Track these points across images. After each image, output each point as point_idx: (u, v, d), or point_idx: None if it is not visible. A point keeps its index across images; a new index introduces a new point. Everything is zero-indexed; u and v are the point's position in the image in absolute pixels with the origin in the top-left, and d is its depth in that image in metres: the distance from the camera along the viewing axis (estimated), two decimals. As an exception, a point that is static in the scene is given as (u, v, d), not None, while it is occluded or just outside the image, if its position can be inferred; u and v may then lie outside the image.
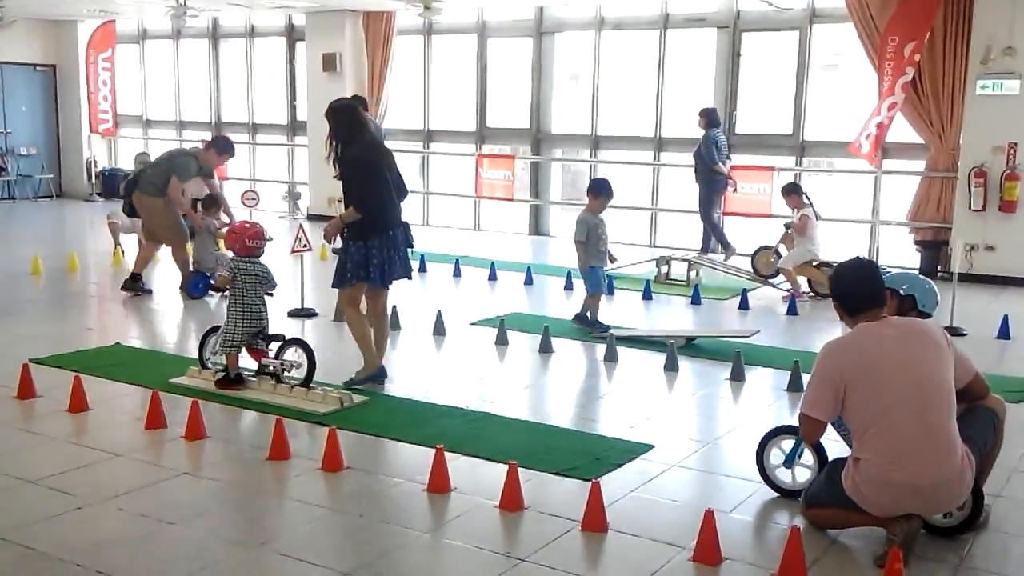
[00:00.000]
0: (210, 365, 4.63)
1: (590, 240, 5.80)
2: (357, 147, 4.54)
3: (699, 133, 8.85)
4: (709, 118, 8.78)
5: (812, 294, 7.33)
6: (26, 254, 8.07)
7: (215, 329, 4.63)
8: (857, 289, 3.02)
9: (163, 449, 3.75)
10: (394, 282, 4.65)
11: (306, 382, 4.37)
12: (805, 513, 3.13)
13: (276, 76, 12.49)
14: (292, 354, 4.47)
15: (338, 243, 4.72)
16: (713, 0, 9.47)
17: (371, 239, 4.48)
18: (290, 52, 12.22)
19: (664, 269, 7.93)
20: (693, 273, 7.82)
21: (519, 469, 3.26)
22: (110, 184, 12.87)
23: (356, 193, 4.52)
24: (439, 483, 3.33)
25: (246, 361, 4.55)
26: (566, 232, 10.95)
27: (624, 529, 3.06)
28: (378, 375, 4.60)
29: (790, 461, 3.34)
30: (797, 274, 7.25)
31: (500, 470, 3.34)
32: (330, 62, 11.12)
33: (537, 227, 11.02)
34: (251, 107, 12.69)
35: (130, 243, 8.78)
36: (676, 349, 5.19)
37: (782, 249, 7.62)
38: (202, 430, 3.85)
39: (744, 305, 6.89)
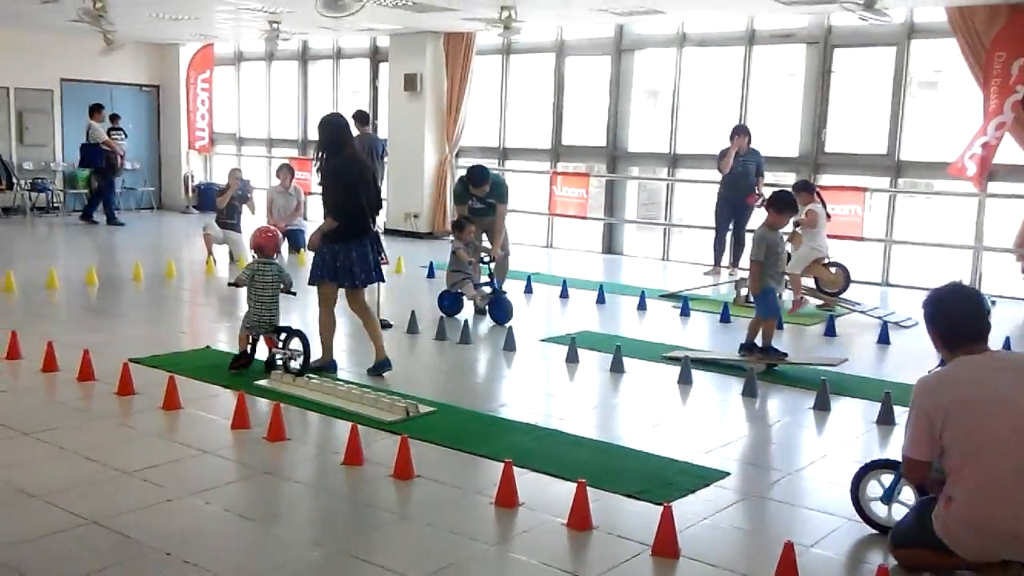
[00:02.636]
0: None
1: (768, 260, 5.34)
2: (338, 160, 4.92)
3: (785, 150, 8.71)
4: (750, 135, 8.70)
5: (821, 295, 7.14)
6: (129, 261, 8.64)
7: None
8: (959, 320, 2.82)
9: (247, 448, 3.92)
10: (366, 285, 5.06)
11: (302, 371, 4.82)
12: (893, 553, 2.97)
13: (360, 96, 12.95)
14: (295, 344, 4.96)
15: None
16: (803, 16, 9.25)
17: (339, 244, 4.91)
18: (374, 72, 12.66)
19: (743, 291, 7.69)
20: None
21: (587, 488, 3.25)
22: (205, 197, 13.61)
23: (331, 203, 4.99)
24: (507, 497, 3.35)
25: (263, 350, 5.10)
26: (640, 251, 10.91)
27: (697, 556, 2.99)
28: (329, 366, 5.06)
29: (888, 497, 3.18)
30: (805, 274, 7.09)
31: (568, 488, 3.33)
32: (411, 82, 11.46)
33: (610, 246, 10.97)
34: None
35: (221, 253, 9.27)
36: (756, 375, 5.04)
37: (789, 248, 7.40)
38: (283, 432, 4.01)
39: (831, 331, 6.60)
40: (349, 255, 4.90)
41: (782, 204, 5.45)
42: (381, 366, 5.07)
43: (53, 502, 3.25)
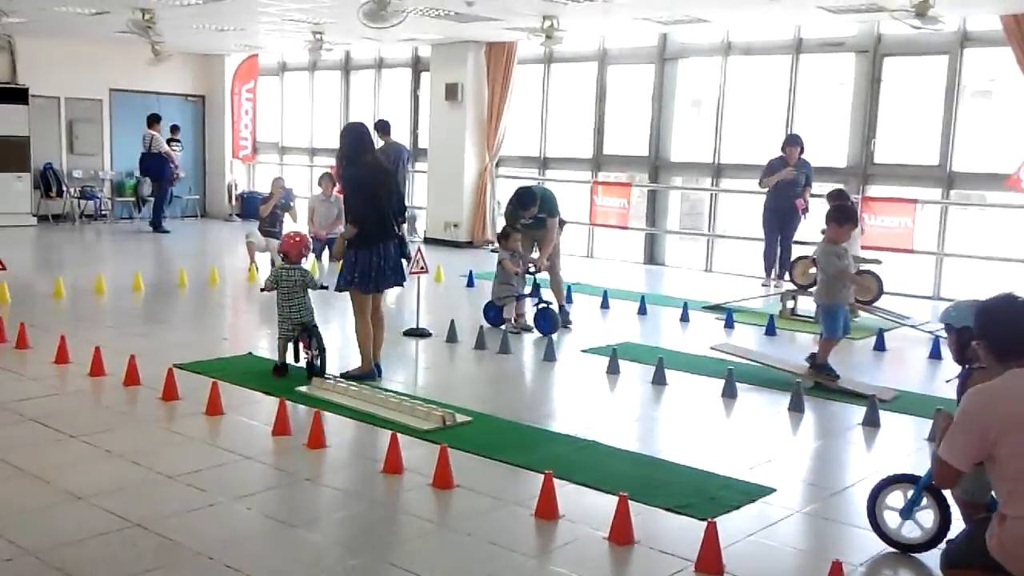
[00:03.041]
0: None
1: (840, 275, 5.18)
2: (356, 168, 4.98)
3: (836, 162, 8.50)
4: (803, 145, 8.50)
5: (855, 303, 6.85)
6: (174, 268, 8.81)
7: None
8: (1013, 332, 2.71)
9: (287, 455, 3.93)
10: (386, 288, 5.12)
11: (320, 372, 4.88)
12: (946, 574, 2.85)
13: (401, 106, 13.07)
14: (315, 343, 5.01)
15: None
16: (852, 24, 9.05)
17: (360, 250, 4.96)
18: (415, 82, 12.77)
19: (790, 304, 7.51)
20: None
21: (629, 502, 3.16)
22: (249, 206, 13.85)
23: (350, 210, 5.05)
24: (547, 509, 3.29)
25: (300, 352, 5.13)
26: (683, 262, 10.75)
27: (742, 574, 2.90)
28: (369, 375, 5.02)
29: (908, 512, 3.07)
30: None
31: (609, 501, 3.26)
32: (452, 91, 11.52)
33: (652, 256, 10.83)
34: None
35: (264, 261, 9.40)
36: (804, 389, 4.88)
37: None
38: (323, 439, 4.00)
39: (880, 346, 6.40)
40: (369, 260, 4.95)
41: (844, 217, 5.26)
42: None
43: (99, 504, 3.29)
